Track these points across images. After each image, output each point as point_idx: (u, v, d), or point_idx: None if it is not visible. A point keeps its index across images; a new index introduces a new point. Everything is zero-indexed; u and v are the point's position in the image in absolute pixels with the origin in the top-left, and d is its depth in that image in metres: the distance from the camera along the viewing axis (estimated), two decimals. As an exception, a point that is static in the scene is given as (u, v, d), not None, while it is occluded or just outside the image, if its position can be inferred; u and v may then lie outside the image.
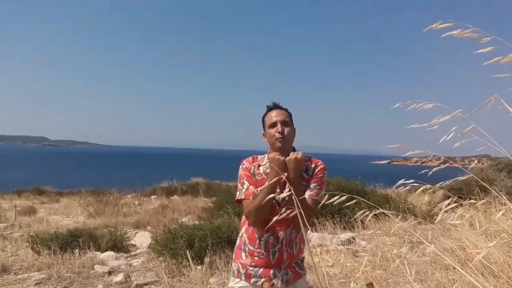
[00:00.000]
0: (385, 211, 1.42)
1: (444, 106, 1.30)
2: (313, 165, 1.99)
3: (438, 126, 1.25)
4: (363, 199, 1.52)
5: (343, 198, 1.29)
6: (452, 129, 1.25)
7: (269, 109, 2.00)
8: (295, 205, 1.52)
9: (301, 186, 1.88)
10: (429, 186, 1.34)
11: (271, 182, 1.77)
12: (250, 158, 2.03)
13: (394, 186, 1.32)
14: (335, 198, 1.32)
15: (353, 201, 1.38)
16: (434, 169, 1.34)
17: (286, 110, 2.00)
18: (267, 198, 1.74)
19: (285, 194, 1.48)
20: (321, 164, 2.00)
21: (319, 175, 1.97)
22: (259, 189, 1.92)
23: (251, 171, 1.96)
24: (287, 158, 1.86)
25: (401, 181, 1.35)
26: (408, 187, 1.35)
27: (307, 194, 1.89)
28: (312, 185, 1.92)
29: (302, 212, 1.34)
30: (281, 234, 1.90)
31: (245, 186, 1.94)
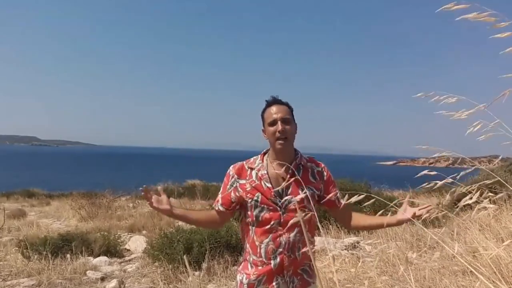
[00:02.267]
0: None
1: (469, 100, 1.26)
2: (319, 169, 1.99)
3: (466, 117, 1.22)
4: (377, 197, 1.51)
5: (361, 197, 1.30)
6: (475, 123, 1.23)
7: (268, 104, 1.96)
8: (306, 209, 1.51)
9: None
10: (464, 186, 1.32)
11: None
12: (237, 165, 2.01)
13: (416, 176, 1.30)
14: (354, 198, 1.32)
15: (372, 201, 1.38)
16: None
17: (286, 104, 1.96)
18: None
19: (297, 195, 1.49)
20: (325, 166, 2.03)
21: (332, 179, 2.02)
22: (255, 196, 1.93)
23: (232, 181, 2.00)
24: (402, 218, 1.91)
25: (424, 172, 1.32)
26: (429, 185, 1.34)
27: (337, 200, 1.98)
28: (338, 195, 1.98)
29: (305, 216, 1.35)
30: (283, 238, 1.89)
31: (219, 195, 2.06)
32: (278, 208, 1.89)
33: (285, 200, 1.87)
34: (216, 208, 2.05)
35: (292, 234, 1.89)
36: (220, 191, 2.06)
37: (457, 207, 1.29)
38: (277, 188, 1.87)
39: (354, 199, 1.33)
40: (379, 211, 1.73)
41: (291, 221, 1.58)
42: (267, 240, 1.91)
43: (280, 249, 1.89)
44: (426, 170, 1.31)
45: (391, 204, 1.65)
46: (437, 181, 1.30)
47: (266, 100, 1.98)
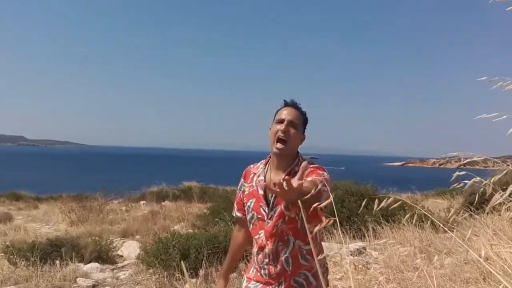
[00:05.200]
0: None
1: None
2: (308, 169, 1.82)
3: (506, 116, 1.21)
4: (410, 203, 1.50)
5: (390, 200, 1.29)
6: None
7: (285, 104, 2.00)
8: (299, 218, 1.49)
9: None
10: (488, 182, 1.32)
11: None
12: (246, 169, 2.11)
13: (452, 180, 1.31)
14: (384, 202, 1.30)
15: (399, 202, 1.37)
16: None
17: (302, 112, 1.99)
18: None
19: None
20: (318, 166, 1.87)
21: (318, 172, 1.82)
22: (249, 201, 2.00)
23: (240, 185, 2.12)
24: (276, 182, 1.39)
25: (456, 173, 1.33)
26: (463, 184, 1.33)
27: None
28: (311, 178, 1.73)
29: (305, 224, 1.35)
30: (267, 249, 1.91)
31: (234, 202, 2.17)
32: (265, 217, 1.92)
33: (272, 210, 1.90)
34: (234, 215, 2.16)
35: (274, 244, 1.90)
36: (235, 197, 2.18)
37: (476, 209, 1.29)
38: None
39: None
40: (386, 213, 1.73)
41: (272, 225, 1.59)
42: (255, 250, 1.97)
43: (266, 260, 1.92)
44: (458, 172, 1.32)
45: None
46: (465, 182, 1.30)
47: (284, 100, 2.02)
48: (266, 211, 1.91)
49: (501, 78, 1.31)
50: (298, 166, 1.91)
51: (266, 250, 1.91)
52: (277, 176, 1.90)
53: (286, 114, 1.94)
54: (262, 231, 1.92)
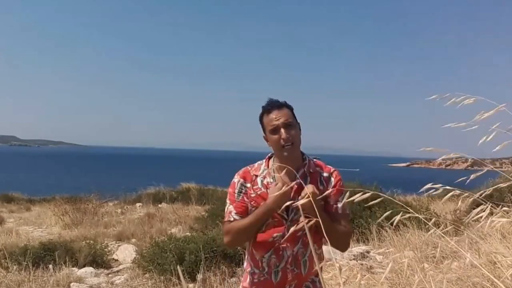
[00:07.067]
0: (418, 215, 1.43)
1: (487, 100, 1.29)
2: (325, 174, 1.97)
3: (477, 126, 1.24)
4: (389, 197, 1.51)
5: (367, 195, 1.30)
6: (493, 127, 1.24)
7: (267, 110, 1.94)
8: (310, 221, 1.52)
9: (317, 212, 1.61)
10: (458, 191, 1.34)
11: (258, 214, 1.88)
12: (241, 171, 2.02)
13: (420, 191, 1.33)
14: (357, 195, 1.31)
15: (378, 199, 1.37)
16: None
17: (286, 105, 1.95)
18: (250, 225, 1.89)
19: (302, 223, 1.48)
20: (335, 171, 2.00)
21: (340, 185, 1.98)
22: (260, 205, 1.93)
23: (239, 186, 1.99)
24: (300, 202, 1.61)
25: (429, 185, 1.34)
26: (436, 192, 1.35)
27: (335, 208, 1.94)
28: (339, 199, 1.94)
29: (311, 227, 1.37)
30: (286, 252, 1.91)
31: (227, 208, 2.01)
32: (284, 221, 1.90)
33: (292, 212, 1.89)
34: (232, 219, 1.97)
35: (296, 247, 1.91)
36: (228, 202, 2.01)
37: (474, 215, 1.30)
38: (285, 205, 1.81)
39: (358, 197, 1.33)
40: (390, 215, 1.73)
41: (291, 229, 1.57)
42: (269, 254, 1.92)
43: (283, 263, 1.91)
44: (430, 184, 1.34)
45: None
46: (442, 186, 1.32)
47: (262, 106, 1.97)
48: (284, 214, 1.90)
49: (453, 94, 1.34)
50: (307, 166, 1.96)
51: (287, 252, 1.90)
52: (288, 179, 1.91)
53: (276, 119, 1.89)
54: (277, 234, 1.90)
